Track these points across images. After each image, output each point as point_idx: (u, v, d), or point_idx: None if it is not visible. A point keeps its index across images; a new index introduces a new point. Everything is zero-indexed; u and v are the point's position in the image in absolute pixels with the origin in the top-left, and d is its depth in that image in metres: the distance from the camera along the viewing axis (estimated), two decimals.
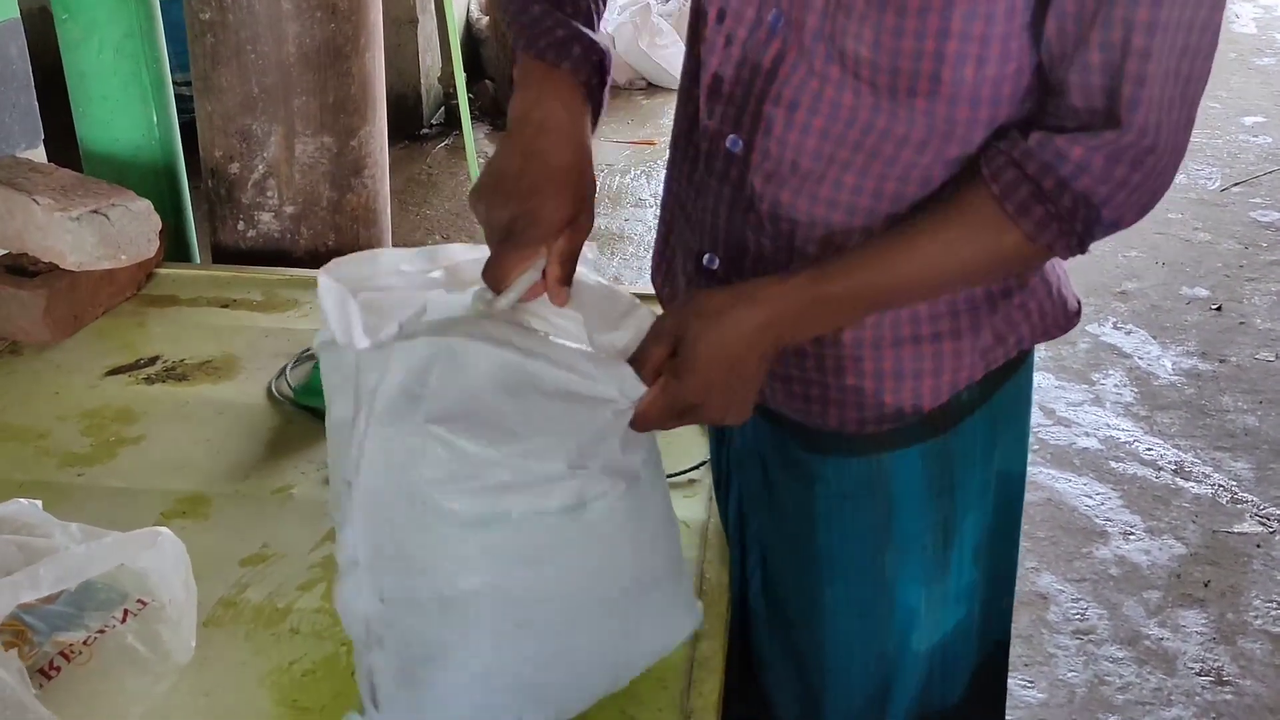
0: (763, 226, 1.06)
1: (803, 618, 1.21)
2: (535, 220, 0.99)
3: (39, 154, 2.51)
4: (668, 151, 1.22)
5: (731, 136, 1.06)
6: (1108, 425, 3.29)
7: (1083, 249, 0.97)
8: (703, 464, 1.42)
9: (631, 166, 4.91)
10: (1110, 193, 0.93)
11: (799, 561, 1.19)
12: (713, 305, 0.98)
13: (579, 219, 1.01)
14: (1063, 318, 1.12)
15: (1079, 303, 1.15)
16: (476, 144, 4.16)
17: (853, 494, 1.13)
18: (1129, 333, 3.76)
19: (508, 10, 1.10)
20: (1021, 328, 1.10)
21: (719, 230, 1.09)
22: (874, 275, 0.99)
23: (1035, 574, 2.72)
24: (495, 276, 0.99)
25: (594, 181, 1.04)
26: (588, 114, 1.06)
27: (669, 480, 1.39)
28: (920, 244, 0.98)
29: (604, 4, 1.16)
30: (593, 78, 1.06)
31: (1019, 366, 1.13)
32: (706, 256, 1.10)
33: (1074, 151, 0.92)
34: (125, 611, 1.16)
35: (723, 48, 1.05)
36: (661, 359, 0.98)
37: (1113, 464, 3.12)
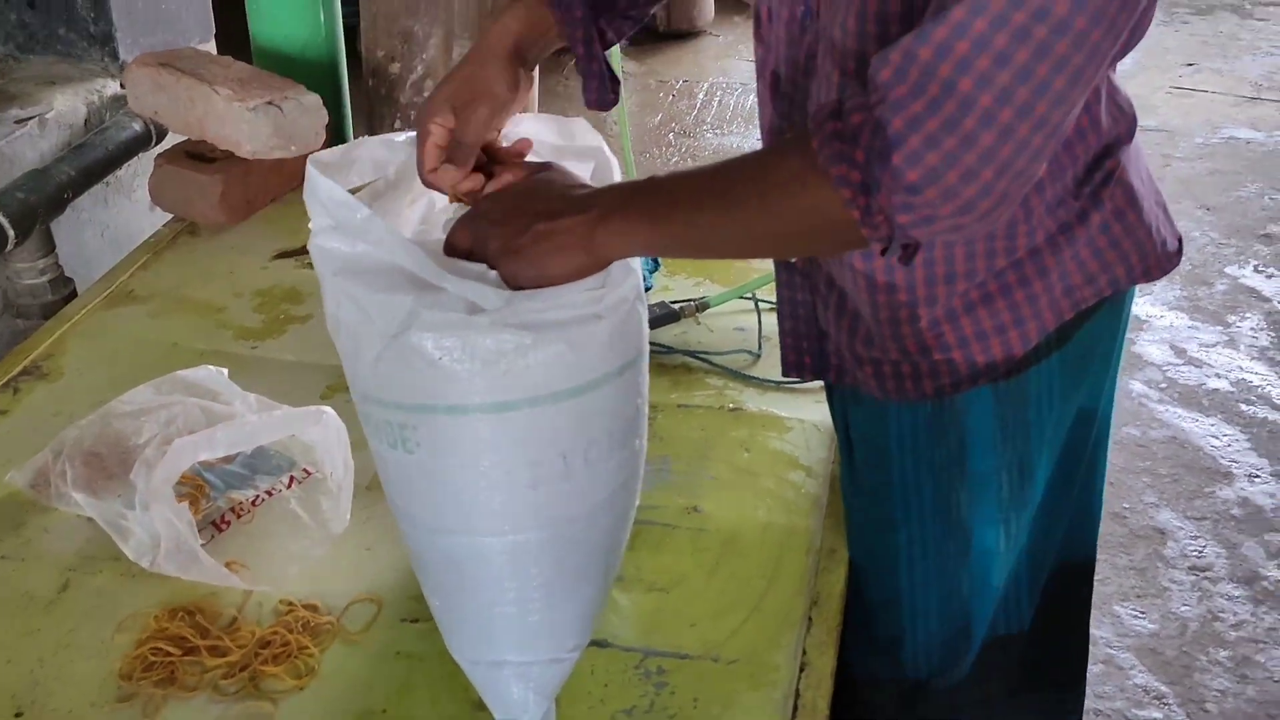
0: None
1: (878, 564, 1.22)
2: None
3: (210, 49, 2.62)
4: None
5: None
6: (1240, 368, 3.24)
7: (866, 192, 0.83)
8: None
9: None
10: (905, 129, 0.81)
11: (874, 502, 1.20)
12: None
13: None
14: (1163, 258, 1.10)
15: (1179, 242, 1.13)
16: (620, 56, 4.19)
17: (925, 427, 1.13)
18: (1270, 276, 3.67)
19: None
20: (1116, 268, 1.08)
21: None
22: (694, 179, 0.95)
23: (1154, 509, 2.72)
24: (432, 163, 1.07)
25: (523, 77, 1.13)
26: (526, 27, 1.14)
27: (800, 385, 1.44)
28: (733, 162, 0.94)
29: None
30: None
31: (1098, 309, 1.10)
32: None
33: (881, 72, 0.83)
34: (291, 478, 1.26)
35: (775, 45, 1.06)
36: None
37: (1243, 406, 3.08)
